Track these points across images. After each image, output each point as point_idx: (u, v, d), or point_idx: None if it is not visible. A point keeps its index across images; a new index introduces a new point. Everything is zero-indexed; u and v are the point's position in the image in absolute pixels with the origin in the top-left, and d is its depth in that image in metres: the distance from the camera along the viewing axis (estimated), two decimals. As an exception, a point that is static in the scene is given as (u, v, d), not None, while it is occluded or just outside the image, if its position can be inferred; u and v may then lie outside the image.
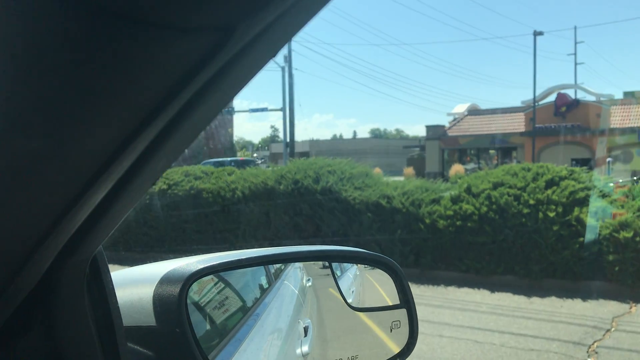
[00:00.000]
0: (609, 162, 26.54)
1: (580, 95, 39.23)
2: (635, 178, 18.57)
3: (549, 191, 8.80)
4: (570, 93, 38.50)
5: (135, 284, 1.07)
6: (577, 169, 9.61)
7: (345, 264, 1.47)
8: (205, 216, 11.44)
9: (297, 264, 1.47)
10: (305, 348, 1.28)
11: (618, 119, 35.98)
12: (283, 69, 32.47)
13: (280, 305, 1.41)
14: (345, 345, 1.40)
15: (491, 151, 42.32)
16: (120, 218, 0.62)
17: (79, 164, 0.49)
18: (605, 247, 8.22)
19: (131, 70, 0.41)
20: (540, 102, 38.17)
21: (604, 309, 7.41)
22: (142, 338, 0.99)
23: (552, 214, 8.56)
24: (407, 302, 1.42)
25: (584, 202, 8.63)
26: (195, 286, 1.06)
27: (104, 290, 0.76)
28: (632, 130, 34.03)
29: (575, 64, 50.91)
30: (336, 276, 1.40)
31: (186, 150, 0.58)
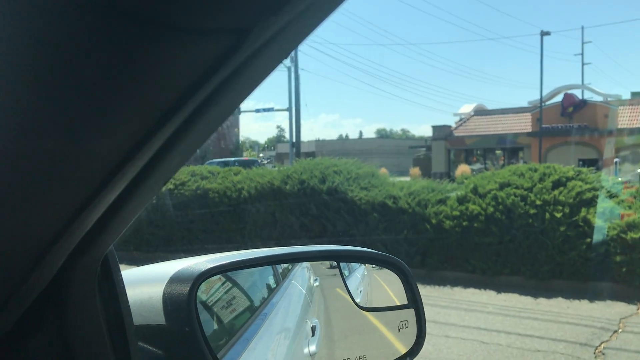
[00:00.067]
0: (616, 162, 26.44)
1: (588, 96, 39.13)
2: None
3: (556, 192, 8.77)
4: (578, 93, 38.42)
5: (144, 283, 1.08)
6: (584, 169, 9.57)
7: (353, 264, 1.47)
8: (211, 216, 11.46)
9: (305, 264, 1.47)
10: (312, 348, 1.29)
11: (626, 119, 35.83)
12: (289, 69, 32.48)
13: (288, 304, 1.41)
14: (353, 345, 1.40)
15: (497, 151, 42.23)
16: (132, 218, 0.63)
17: (94, 164, 0.49)
18: (613, 248, 8.18)
19: (149, 72, 0.41)
20: (547, 103, 38.06)
21: (611, 310, 7.38)
22: (151, 337, 1.00)
23: (559, 215, 8.53)
24: (415, 301, 1.42)
25: (591, 202, 8.60)
26: (203, 286, 1.07)
27: (115, 289, 0.76)
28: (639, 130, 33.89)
29: (583, 64, 50.76)
30: (344, 276, 1.40)
31: (197, 151, 0.58)
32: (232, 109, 0.51)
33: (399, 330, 1.39)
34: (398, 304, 1.44)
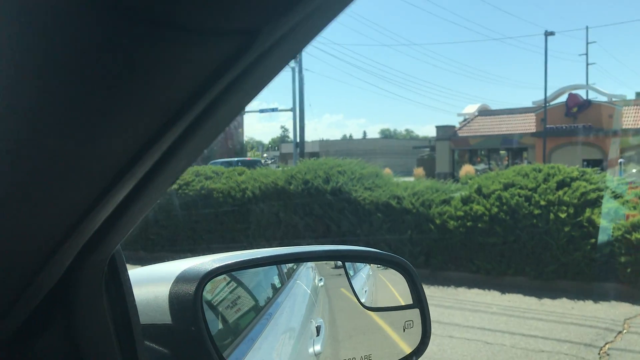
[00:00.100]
0: (620, 162, 26.35)
1: (592, 96, 39.02)
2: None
3: (560, 192, 8.75)
4: (582, 93, 38.30)
5: (151, 282, 1.08)
6: (588, 169, 9.56)
7: (358, 264, 1.48)
8: (215, 216, 11.47)
9: (309, 264, 1.47)
10: (317, 347, 1.29)
11: (630, 119, 35.73)
12: (293, 69, 32.47)
13: (293, 304, 1.41)
14: (358, 345, 1.40)
15: (502, 152, 42.16)
16: (140, 217, 0.63)
17: (104, 164, 0.50)
18: (618, 248, 8.16)
19: (159, 72, 0.42)
20: (552, 103, 37.97)
21: (615, 311, 7.36)
22: (158, 336, 1.00)
23: (563, 215, 8.52)
24: (420, 301, 1.42)
25: (595, 203, 8.58)
26: (208, 285, 1.07)
27: (122, 288, 0.77)
28: (644, 131, 33.79)
29: (587, 64, 50.70)
30: (349, 276, 1.41)
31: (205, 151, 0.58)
32: (240, 110, 0.51)
33: (404, 330, 1.39)
34: (403, 304, 1.44)
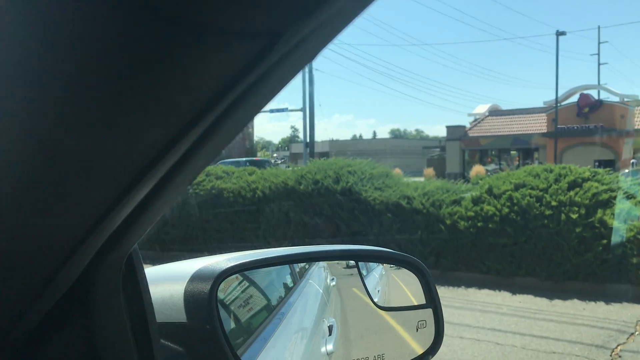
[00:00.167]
0: (633, 163, 26.16)
1: (604, 96, 38.77)
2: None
3: (572, 193, 8.70)
4: (594, 94, 38.10)
5: (166, 281, 1.09)
6: (600, 170, 9.49)
7: (370, 264, 1.48)
8: (226, 216, 11.49)
9: (322, 264, 1.48)
10: (330, 347, 1.29)
11: (643, 120, 35.44)
12: (304, 69, 32.40)
13: (305, 304, 1.41)
14: (370, 345, 1.40)
15: (512, 152, 41.98)
16: (158, 216, 0.64)
17: (126, 164, 0.50)
18: (630, 249, 8.10)
19: (185, 73, 0.42)
20: (563, 103, 37.76)
21: (627, 312, 7.31)
22: (173, 334, 1.01)
23: (574, 216, 8.46)
24: (433, 301, 1.42)
25: (607, 203, 8.52)
26: (221, 285, 1.08)
27: (139, 287, 0.77)
28: (657, 131, 33.52)
29: (599, 64, 50.34)
30: (362, 275, 1.41)
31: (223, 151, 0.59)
32: (258, 111, 0.51)
33: (417, 330, 1.40)
34: (416, 303, 1.44)
